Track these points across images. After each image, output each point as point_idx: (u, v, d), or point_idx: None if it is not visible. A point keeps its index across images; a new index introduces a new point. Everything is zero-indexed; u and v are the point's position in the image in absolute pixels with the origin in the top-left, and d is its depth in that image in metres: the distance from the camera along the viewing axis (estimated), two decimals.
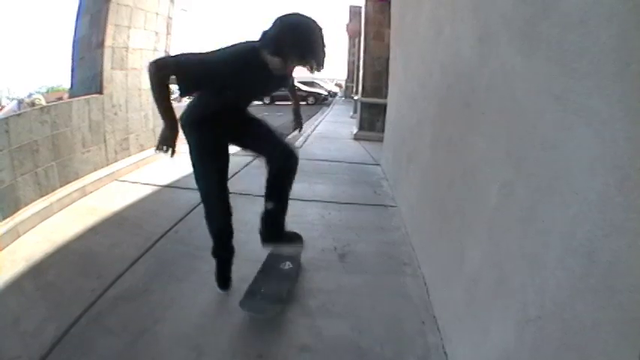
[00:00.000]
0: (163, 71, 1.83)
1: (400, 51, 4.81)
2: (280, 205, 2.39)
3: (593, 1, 0.99)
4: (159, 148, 1.97)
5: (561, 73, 1.11)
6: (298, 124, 2.78)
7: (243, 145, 2.34)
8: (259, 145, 2.33)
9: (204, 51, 1.96)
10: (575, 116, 1.03)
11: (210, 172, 2.23)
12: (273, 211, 2.38)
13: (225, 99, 2.06)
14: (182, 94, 1.91)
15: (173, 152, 1.98)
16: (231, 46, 1.98)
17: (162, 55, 5.45)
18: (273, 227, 2.42)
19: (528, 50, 1.34)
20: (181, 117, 2.13)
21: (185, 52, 1.94)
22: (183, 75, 1.84)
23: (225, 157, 2.25)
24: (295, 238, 2.49)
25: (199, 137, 2.16)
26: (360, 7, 11.43)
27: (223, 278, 2.43)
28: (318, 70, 1.92)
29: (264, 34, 1.86)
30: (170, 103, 1.92)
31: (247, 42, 1.98)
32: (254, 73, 1.93)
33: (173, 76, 1.84)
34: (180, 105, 2.08)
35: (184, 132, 2.13)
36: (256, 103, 2.32)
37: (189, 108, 2.17)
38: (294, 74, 2.35)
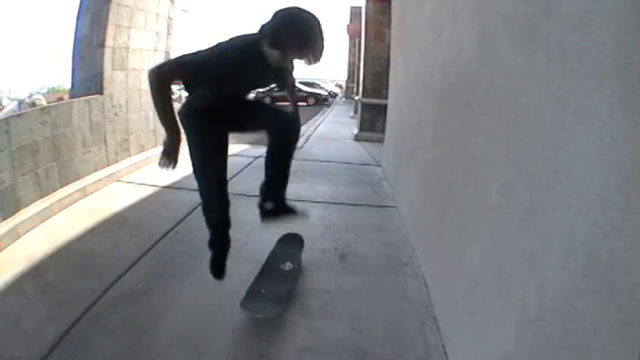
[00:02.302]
0: (167, 75, 1.86)
1: (401, 51, 4.81)
2: (281, 178, 2.36)
3: (593, 2, 0.99)
4: (161, 163, 1.98)
5: (562, 73, 1.11)
6: (293, 107, 2.54)
7: (243, 128, 2.31)
8: (259, 120, 2.28)
9: (202, 48, 1.95)
10: (576, 116, 1.03)
11: (209, 162, 2.19)
12: (273, 182, 2.35)
13: (224, 91, 2.03)
14: (189, 92, 1.96)
15: (175, 164, 1.99)
16: (230, 39, 1.97)
17: (162, 56, 5.46)
18: (273, 200, 2.37)
19: (529, 50, 1.34)
20: (179, 111, 2.07)
21: (185, 53, 1.95)
22: (188, 73, 1.87)
23: (223, 146, 2.21)
24: (294, 211, 2.41)
25: (197, 126, 2.09)
26: (361, 8, 11.44)
27: (218, 267, 2.37)
28: (315, 62, 1.90)
29: (263, 27, 1.85)
30: (172, 108, 1.93)
31: (246, 35, 1.96)
32: (253, 65, 1.91)
33: (176, 79, 1.88)
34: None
35: (182, 125, 2.06)
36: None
37: (187, 101, 2.10)
38: (294, 74, 2.35)
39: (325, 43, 1.84)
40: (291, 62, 1.98)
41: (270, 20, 1.83)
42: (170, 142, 1.95)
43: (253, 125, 2.32)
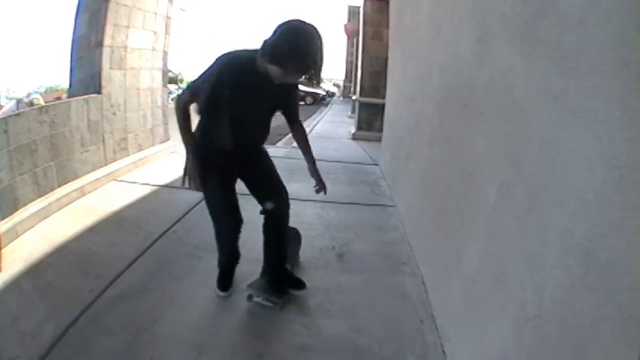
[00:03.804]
0: (183, 102, 2.04)
1: (399, 51, 4.81)
2: (280, 255, 2.45)
3: (591, 2, 0.99)
4: (184, 183, 2.13)
5: (560, 73, 1.11)
6: (321, 187, 2.43)
7: (247, 186, 2.36)
8: (257, 187, 2.36)
9: (207, 67, 1.96)
10: (574, 116, 1.03)
11: (220, 197, 2.26)
12: (275, 262, 2.44)
13: (232, 123, 2.03)
14: (198, 112, 2.06)
15: (200, 185, 2.12)
16: (231, 52, 1.97)
17: (160, 55, 5.46)
18: (278, 276, 2.44)
19: (527, 50, 1.35)
20: (194, 134, 2.16)
21: (195, 78, 2.02)
22: (198, 98, 2.00)
23: (233, 187, 2.29)
24: (300, 285, 2.47)
25: (207, 167, 2.15)
26: (359, 7, 11.43)
27: (226, 283, 2.43)
28: (317, 82, 1.90)
29: (265, 42, 1.82)
30: (189, 131, 2.09)
31: (247, 50, 1.96)
32: (254, 82, 1.91)
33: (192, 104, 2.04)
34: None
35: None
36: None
37: (199, 135, 2.14)
38: (298, 92, 2.31)
39: (324, 58, 1.83)
40: (294, 79, 1.93)
41: (272, 35, 1.81)
42: (190, 163, 2.10)
43: (252, 188, 2.36)
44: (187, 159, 2.11)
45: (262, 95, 2.02)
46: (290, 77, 1.88)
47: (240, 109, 2.00)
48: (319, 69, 1.82)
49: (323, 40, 1.81)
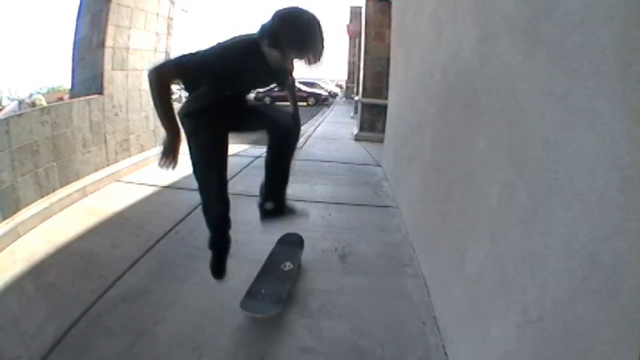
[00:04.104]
0: (167, 75, 1.85)
1: (401, 51, 4.81)
2: (281, 179, 2.38)
3: (593, 2, 0.99)
4: (161, 163, 1.92)
5: (562, 73, 1.11)
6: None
7: (243, 129, 2.29)
8: (259, 120, 2.28)
9: (202, 48, 1.94)
10: (576, 117, 1.03)
11: (209, 162, 2.16)
12: (273, 184, 2.37)
13: (224, 91, 2.02)
14: (189, 92, 1.99)
15: (175, 164, 1.92)
16: (230, 38, 1.97)
17: (162, 56, 5.46)
18: (273, 201, 2.38)
19: (529, 51, 1.34)
20: (180, 111, 2.05)
21: (184, 53, 1.92)
22: (186, 75, 1.86)
23: (224, 147, 2.19)
24: (293, 211, 2.42)
25: (197, 126, 2.07)
26: (361, 8, 11.44)
27: (219, 268, 2.36)
28: (315, 63, 1.87)
29: (263, 26, 1.85)
30: (171, 108, 1.89)
31: (246, 35, 1.97)
32: (253, 65, 1.91)
33: (176, 79, 1.87)
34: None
35: (183, 125, 2.03)
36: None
37: (188, 101, 2.10)
38: (294, 74, 2.32)
39: (325, 43, 1.84)
40: (291, 62, 1.97)
41: (270, 20, 1.83)
42: (169, 142, 1.89)
43: (253, 125, 2.30)
44: (166, 137, 1.90)
45: (260, 75, 2.06)
46: (289, 61, 1.91)
47: (237, 86, 2.04)
48: (319, 53, 1.84)
49: (322, 25, 1.82)
